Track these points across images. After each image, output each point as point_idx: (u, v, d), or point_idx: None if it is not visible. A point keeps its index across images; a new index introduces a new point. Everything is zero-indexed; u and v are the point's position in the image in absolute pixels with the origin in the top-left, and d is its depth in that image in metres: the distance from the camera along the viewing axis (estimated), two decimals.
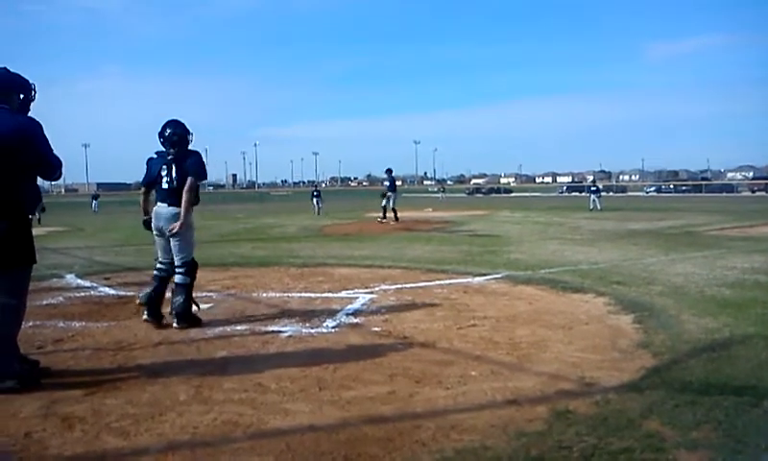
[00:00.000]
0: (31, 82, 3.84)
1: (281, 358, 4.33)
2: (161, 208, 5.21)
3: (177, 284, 5.21)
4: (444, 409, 3.32)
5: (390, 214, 19.30)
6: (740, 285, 6.90)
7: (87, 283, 7.73)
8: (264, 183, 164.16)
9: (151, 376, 3.92)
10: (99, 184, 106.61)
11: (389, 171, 21.04)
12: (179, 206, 5.09)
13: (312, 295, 6.74)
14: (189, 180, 5.11)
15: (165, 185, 5.16)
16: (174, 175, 5.13)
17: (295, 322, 5.43)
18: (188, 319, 5.18)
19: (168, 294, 5.40)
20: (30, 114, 3.81)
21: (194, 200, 5.20)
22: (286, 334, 4.99)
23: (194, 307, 5.32)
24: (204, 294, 6.83)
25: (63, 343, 4.76)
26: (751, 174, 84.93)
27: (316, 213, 26.88)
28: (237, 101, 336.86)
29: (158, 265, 5.33)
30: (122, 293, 6.97)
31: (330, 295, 6.72)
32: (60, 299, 6.65)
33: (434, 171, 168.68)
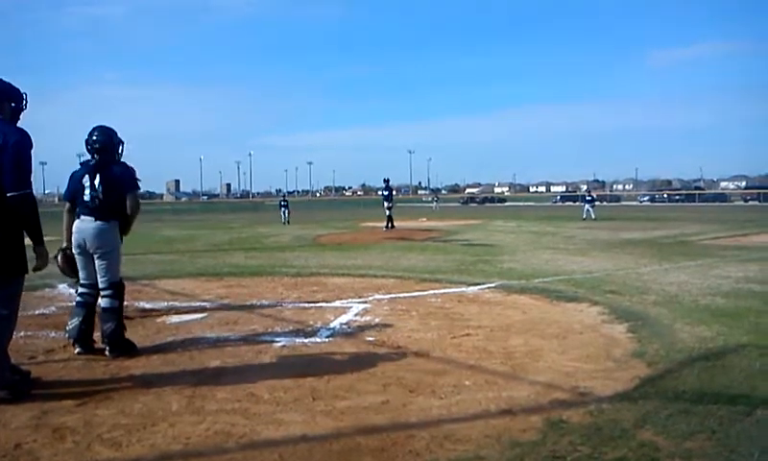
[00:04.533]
0: (22, 91, 3.83)
1: (275, 368, 4.31)
2: (85, 223, 4.60)
3: (105, 309, 4.66)
4: (438, 419, 3.31)
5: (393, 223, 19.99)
6: (734, 294, 6.93)
7: None
8: (258, 193, 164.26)
9: (143, 386, 3.90)
10: None
11: (386, 181, 21.25)
12: (106, 220, 4.59)
13: (306, 304, 6.73)
14: (130, 199, 4.64)
15: (87, 197, 4.59)
16: (97, 185, 4.58)
17: (288, 331, 5.41)
18: (122, 346, 4.67)
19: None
20: (19, 124, 3.79)
21: (125, 216, 4.70)
22: (279, 344, 4.97)
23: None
24: (197, 304, 6.83)
25: (55, 353, 4.72)
26: (744, 183, 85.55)
27: (284, 222, 27.15)
28: (232, 110, 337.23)
29: (81, 289, 4.77)
30: None
31: (324, 304, 6.71)
32: (53, 308, 6.61)
33: (428, 180, 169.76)
